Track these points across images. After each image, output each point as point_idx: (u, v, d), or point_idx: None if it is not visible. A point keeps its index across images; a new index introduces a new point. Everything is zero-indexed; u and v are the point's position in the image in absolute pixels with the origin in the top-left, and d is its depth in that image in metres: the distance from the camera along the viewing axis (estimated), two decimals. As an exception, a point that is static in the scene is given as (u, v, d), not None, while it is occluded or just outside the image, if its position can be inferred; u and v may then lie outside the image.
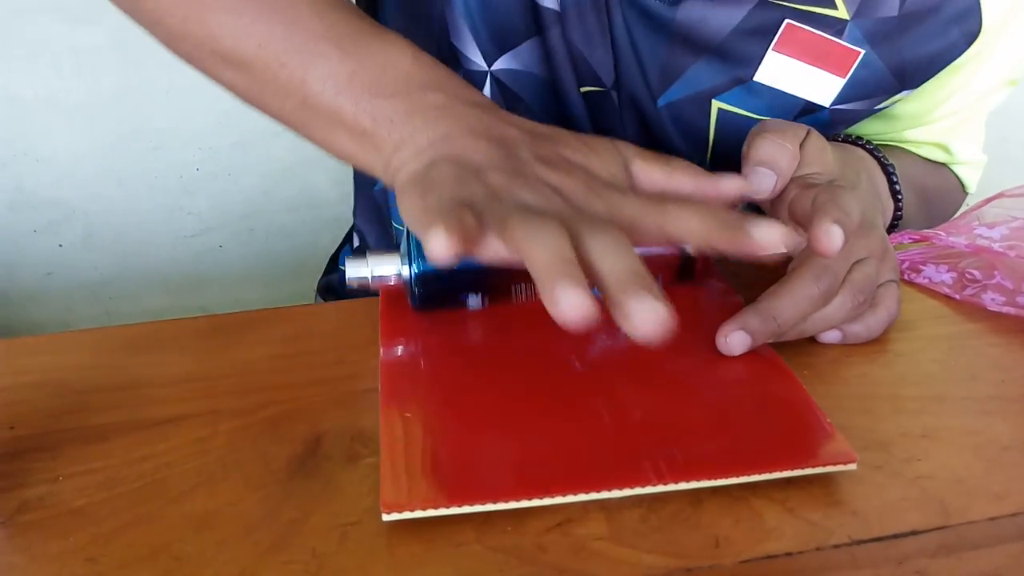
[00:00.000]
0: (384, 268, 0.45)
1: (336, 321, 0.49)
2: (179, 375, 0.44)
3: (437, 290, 0.45)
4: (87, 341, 0.48)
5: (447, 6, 0.56)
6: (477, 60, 0.58)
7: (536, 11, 0.55)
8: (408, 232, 0.44)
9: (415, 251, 0.44)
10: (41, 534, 0.34)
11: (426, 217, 0.35)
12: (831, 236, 0.39)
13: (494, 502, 0.34)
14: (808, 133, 0.46)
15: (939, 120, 0.62)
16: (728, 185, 0.41)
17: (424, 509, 0.34)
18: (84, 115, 1.13)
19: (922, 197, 0.62)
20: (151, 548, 0.34)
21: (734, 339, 0.42)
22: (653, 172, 0.41)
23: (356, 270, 0.44)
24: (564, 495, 0.34)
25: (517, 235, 0.33)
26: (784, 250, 0.35)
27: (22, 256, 1.22)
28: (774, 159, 0.44)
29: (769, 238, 0.34)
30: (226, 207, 1.23)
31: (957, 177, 0.68)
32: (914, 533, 0.33)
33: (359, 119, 0.42)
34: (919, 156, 0.65)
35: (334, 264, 0.81)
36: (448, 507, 0.34)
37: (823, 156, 0.46)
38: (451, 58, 0.59)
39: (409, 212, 0.37)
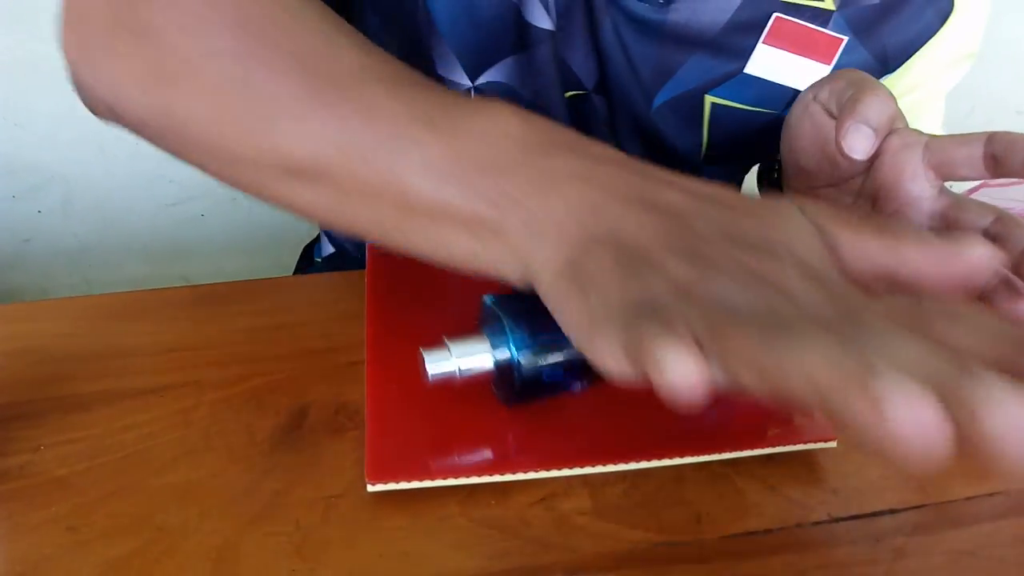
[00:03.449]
0: (474, 361, 0.35)
1: (321, 293, 0.49)
2: (162, 345, 0.44)
3: (538, 383, 0.36)
4: (69, 309, 0.47)
5: (428, 28, 0.54)
6: (460, 80, 0.56)
7: (525, 29, 0.53)
8: (498, 312, 0.36)
9: (516, 341, 0.35)
10: (22, 504, 0.34)
11: (601, 333, 0.27)
12: None
13: (479, 476, 0.34)
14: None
15: (901, 96, 0.62)
16: (978, 253, 0.28)
17: (408, 481, 0.34)
18: (64, 79, 1.11)
19: None
20: (133, 518, 0.33)
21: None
22: (867, 245, 0.30)
23: (439, 366, 0.35)
24: (548, 470, 0.35)
25: (779, 352, 0.23)
26: None
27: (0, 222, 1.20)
28: (878, 119, 0.40)
29: None
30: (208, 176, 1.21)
31: None
32: (892, 511, 0.34)
33: (474, 206, 0.32)
34: None
35: (308, 258, 0.78)
36: (433, 480, 0.34)
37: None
38: (431, 76, 0.55)
39: (572, 323, 0.29)
